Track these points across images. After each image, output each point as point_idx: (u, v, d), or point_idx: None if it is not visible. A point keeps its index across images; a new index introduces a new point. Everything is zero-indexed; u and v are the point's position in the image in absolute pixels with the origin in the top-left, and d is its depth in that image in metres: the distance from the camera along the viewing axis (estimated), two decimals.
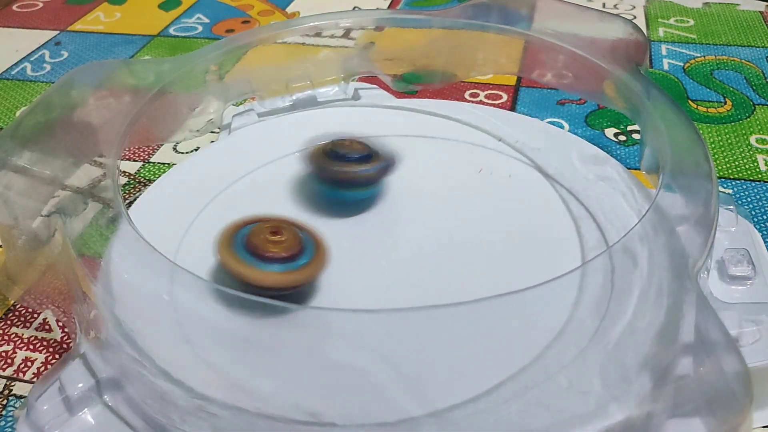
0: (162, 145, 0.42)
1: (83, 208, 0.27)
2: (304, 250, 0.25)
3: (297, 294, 0.26)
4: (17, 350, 0.29)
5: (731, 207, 0.29)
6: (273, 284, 0.24)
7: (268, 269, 0.24)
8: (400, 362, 0.20)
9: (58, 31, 0.57)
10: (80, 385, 0.23)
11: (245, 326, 0.22)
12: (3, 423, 0.27)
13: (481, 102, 0.45)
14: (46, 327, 0.30)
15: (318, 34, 0.52)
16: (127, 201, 0.36)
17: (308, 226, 0.27)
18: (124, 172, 0.40)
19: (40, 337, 0.30)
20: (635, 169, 0.37)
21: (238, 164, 0.34)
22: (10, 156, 0.28)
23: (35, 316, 0.31)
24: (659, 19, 0.56)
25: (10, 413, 0.27)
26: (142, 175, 0.40)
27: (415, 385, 0.21)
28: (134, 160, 0.41)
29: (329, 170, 0.30)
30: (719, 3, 0.58)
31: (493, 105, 0.45)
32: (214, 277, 0.27)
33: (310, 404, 0.20)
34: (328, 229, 0.30)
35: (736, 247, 0.27)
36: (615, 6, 0.58)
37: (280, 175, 0.33)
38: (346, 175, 0.30)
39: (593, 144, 0.34)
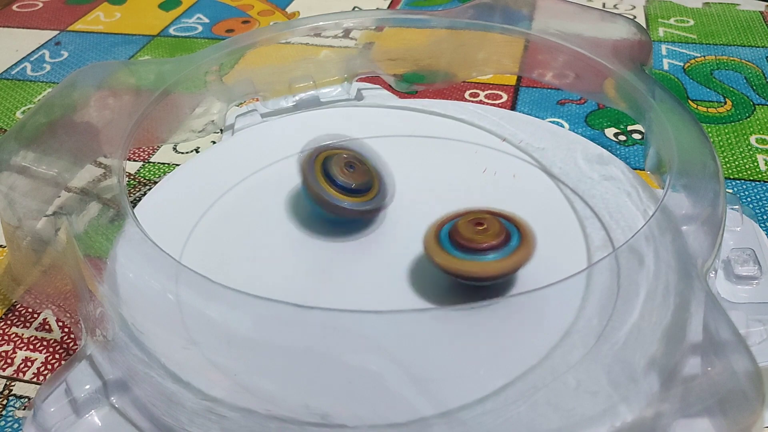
0: (162, 145, 0.42)
1: (88, 209, 0.27)
2: (510, 234, 0.26)
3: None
4: (17, 350, 0.29)
5: (737, 207, 0.29)
6: (496, 273, 0.25)
7: (484, 260, 0.25)
8: (409, 363, 0.20)
9: (58, 31, 0.57)
10: (87, 386, 0.23)
11: (253, 327, 0.22)
12: (3, 423, 0.27)
13: (481, 102, 0.45)
14: (46, 327, 0.30)
15: (318, 35, 0.52)
16: (129, 201, 0.36)
17: (507, 212, 0.27)
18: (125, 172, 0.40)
19: (40, 337, 0.30)
20: (637, 168, 0.37)
21: (242, 165, 0.34)
22: (14, 157, 0.28)
23: (35, 316, 0.31)
24: (659, 19, 0.56)
25: (10, 413, 0.27)
26: (142, 175, 0.40)
27: (424, 385, 0.20)
28: (134, 160, 0.41)
29: (317, 193, 0.28)
30: (719, 3, 0.58)
31: (493, 105, 0.45)
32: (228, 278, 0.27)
33: (320, 406, 0.20)
34: (330, 228, 0.30)
35: (741, 246, 0.27)
36: (615, 6, 0.58)
37: (285, 175, 0.33)
38: (333, 209, 0.28)
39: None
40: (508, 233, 0.26)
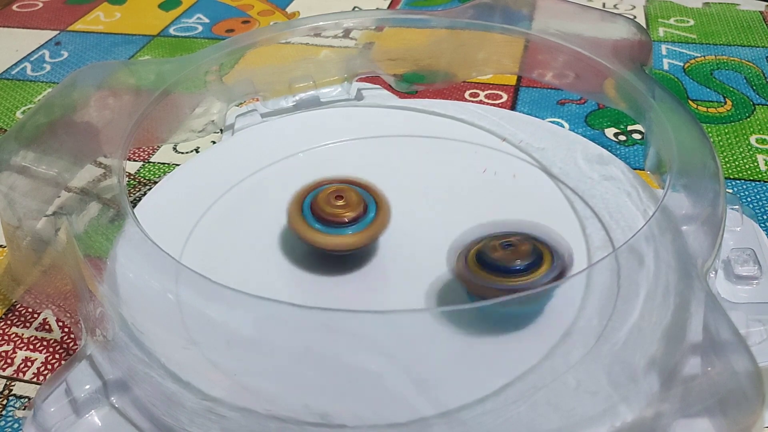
0: (162, 145, 0.42)
1: (88, 209, 0.27)
2: (368, 208, 0.28)
3: (360, 253, 0.28)
4: (17, 350, 0.29)
5: (736, 207, 0.29)
6: (346, 247, 0.27)
7: (338, 233, 0.27)
8: (409, 363, 0.20)
9: (58, 31, 0.57)
10: (87, 386, 0.23)
11: (253, 327, 0.22)
12: (3, 423, 0.27)
13: (481, 102, 0.45)
14: (46, 327, 0.30)
15: (318, 35, 0.52)
16: (129, 201, 0.36)
17: (368, 183, 0.29)
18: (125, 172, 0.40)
19: (40, 337, 0.30)
20: (637, 168, 0.37)
21: (242, 165, 0.34)
22: (14, 157, 0.28)
23: (35, 316, 0.31)
24: (659, 19, 0.56)
25: (10, 413, 0.27)
26: (142, 175, 0.40)
27: (424, 385, 0.20)
28: (134, 160, 0.41)
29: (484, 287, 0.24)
30: (719, 3, 0.58)
31: (493, 105, 0.45)
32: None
33: (320, 405, 0.20)
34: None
35: (741, 246, 0.27)
36: (615, 6, 0.58)
37: (286, 175, 0.33)
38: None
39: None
40: (365, 208, 0.28)
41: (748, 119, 0.43)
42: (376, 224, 0.28)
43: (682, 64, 0.49)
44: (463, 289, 0.26)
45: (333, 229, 0.27)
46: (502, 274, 0.23)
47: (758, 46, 0.51)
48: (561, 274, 0.23)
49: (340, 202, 0.27)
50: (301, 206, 0.28)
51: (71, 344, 0.30)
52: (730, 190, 0.37)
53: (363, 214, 0.28)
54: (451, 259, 0.25)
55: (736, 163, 0.39)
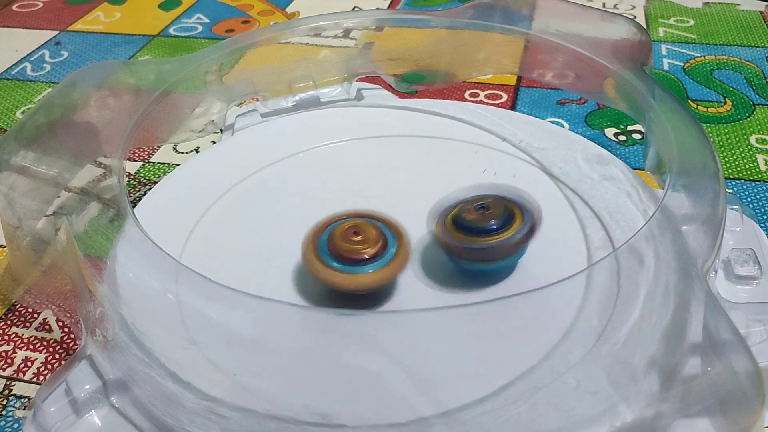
0: (162, 145, 0.42)
1: (88, 209, 0.27)
2: (388, 244, 0.26)
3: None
4: (17, 350, 0.29)
5: (736, 207, 0.29)
6: (367, 287, 0.25)
7: (359, 272, 0.25)
8: (409, 363, 0.20)
9: (58, 31, 0.57)
10: (87, 386, 0.23)
11: (253, 327, 0.22)
12: (3, 423, 0.27)
13: (481, 102, 0.45)
14: (46, 327, 0.30)
15: (318, 35, 0.52)
16: (129, 201, 0.36)
17: (386, 216, 0.27)
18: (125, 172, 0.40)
19: (40, 337, 0.30)
20: (637, 168, 0.37)
21: (242, 165, 0.34)
22: (14, 157, 0.28)
23: (35, 316, 0.31)
24: (659, 19, 0.56)
25: (10, 413, 0.27)
26: (142, 175, 0.40)
27: (424, 385, 0.20)
28: (134, 160, 0.41)
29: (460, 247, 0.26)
30: (719, 3, 0.58)
31: (493, 105, 0.45)
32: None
33: (320, 405, 0.20)
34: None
35: (741, 246, 0.27)
36: (615, 6, 0.58)
37: (285, 176, 0.33)
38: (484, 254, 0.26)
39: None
40: (384, 244, 0.26)
41: (748, 119, 0.43)
42: (398, 261, 0.26)
43: (682, 64, 0.49)
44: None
45: (351, 267, 0.25)
46: (478, 235, 0.26)
47: (758, 46, 0.51)
48: (532, 230, 0.26)
49: (358, 238, 0.26)
50: (316, 244, 0.26)
51: (71, 344, 0.30)
52: (730, 190, 0.37)
53: (383, 250, 0.26)
54: (431, 225, 0.27)
55: (736, 163, 0.39)
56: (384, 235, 0.26)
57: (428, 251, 0.28)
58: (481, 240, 0.26)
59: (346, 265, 0.25)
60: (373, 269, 0.25)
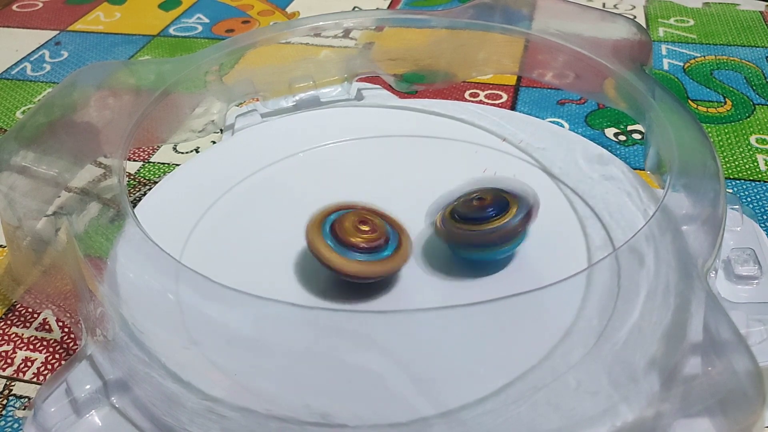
0: (162, 145, 0.42)
1: (88, 209, 0.27)
2: (389, 242, 0.26)
3: (377, 284, 0.27)
4: (17, 350, 0.29)
5: (737, 207, 0.29)
6: (355, 273, 0.26)
7: (352, 258, 0.26)
8: (410, 362, 0.20)
9: (58, 31, 0.57)
10: (87, 386, 0.23)
11: (253, 327, 0.22)
12: (3, 423, 0.27)
13: (481, 102, 0.45)
14: (46, 327, 0.30)
15: (318, 35, 0.52)
16: (129, 201, 0.36)
17: (395, 218, 0.28)
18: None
19: (40, 337, 0.30)
20: (637, 168, 0.37)
21: (242, 165, 0.34)
22: (14, 157, 0.28)
23: (35, 316, 0.31)
24: (659, 19, 0.56)
25: (10, 413, 0.27)
26: (142, 175, 0.40)
27: (424, 385, 0.20)
28: (134, 160, 0.41)
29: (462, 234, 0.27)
30: (719, 3, 0.58)
31: (493, 105, 0.45)
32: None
33: (320, 405, 0.20)
34: None
35: (742, 246, 0.27)
36: (615, 6, 0.58)
37: (285, 176, 0.33)
38: (482, 237, 0.27)
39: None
40: (386, 241, 0.26)
41: (748, 119, 0.43)
42: (403, 251, 0.27)
43: (682, 64, 0.49)
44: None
45: (356, 254, 0.26)
46: (476, 222, 0.26)
47: (758, 46, 0.51)
48: (528, 214, 0.26)
49: (366, 227, 0.26)
50: (320, 228, 0.26)
51: (71, 344, 0.30)
52: (730, 190, 0.37)
53: (385, 243, 0.26)
54: (430, 219, 0.28)
55: (736, 163, 0.39)
56: (387, 227, 0.27)
57: (429, 245, 0.29)
58: (479, 227, 0.26)
59: (363, 254, 0.26)
60: (382, 258, 0.26)
